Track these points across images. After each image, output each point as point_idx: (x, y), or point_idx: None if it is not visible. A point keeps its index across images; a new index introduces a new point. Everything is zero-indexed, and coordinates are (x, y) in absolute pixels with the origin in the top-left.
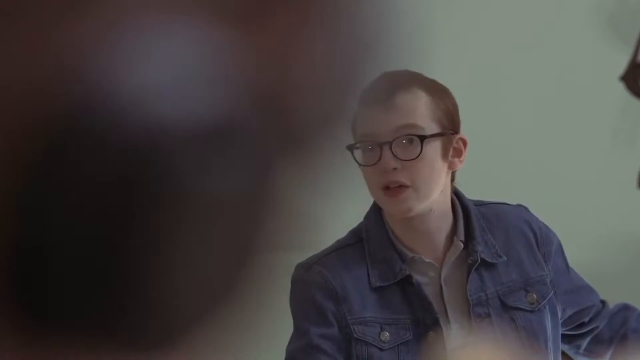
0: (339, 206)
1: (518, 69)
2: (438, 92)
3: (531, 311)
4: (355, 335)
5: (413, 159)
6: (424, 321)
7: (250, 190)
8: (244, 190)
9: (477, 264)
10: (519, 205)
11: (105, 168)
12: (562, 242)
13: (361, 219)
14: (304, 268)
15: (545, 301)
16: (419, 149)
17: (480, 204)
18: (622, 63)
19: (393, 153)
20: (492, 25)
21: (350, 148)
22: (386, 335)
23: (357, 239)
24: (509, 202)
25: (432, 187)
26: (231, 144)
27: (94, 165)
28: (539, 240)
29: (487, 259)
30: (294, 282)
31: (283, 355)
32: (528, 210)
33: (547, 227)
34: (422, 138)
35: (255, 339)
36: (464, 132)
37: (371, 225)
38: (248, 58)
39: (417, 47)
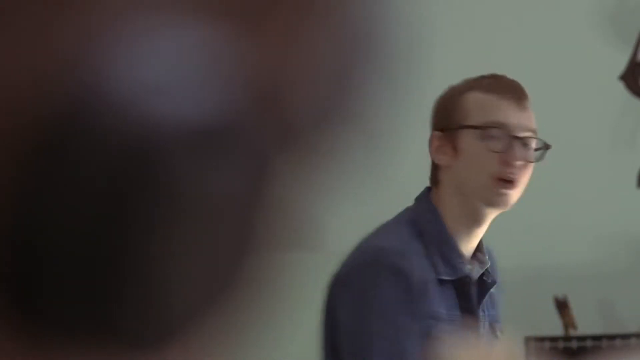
0: (338, 205)
1: (518, 69)
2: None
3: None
4: (429, 331)
5: (530, 162)
6: (467, 320)
7: (249, 189)
8: (242, 190)
9: (492, 285)
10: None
11: (102, 168)
12: (562, 242)
13: (362, 218)
14: (398, 254)
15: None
16: (535, 155)
17: None
18: (622, 63)
19: (522, 150)
20: (492, 25)
21: (469, 128)
22: (448, 329)
23: (417, 232)
24: None
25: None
26: (229, 144)
27: (91, 165)
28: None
29: (492, 283)
30: (387, 268)
31: (282, 353)
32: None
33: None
34: (548, 147)
35: (253, 338)
36: None
37: (428, 218)
38: (246, 57)
39: (415, 46)
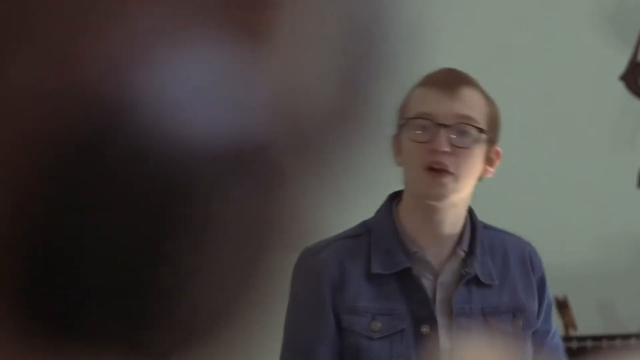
0: (347, 209)
1: (517, 69)
2: (490, 99)
3: (513, 335)
4: (342, 325)
5: (465, 148)
6: (419, 314)
7: (260, 194)
8: (254, 195)
9: (470, 277)
10: (527, 242)
11: (124, 180)
12: (562, 243)
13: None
14: (311, 253)
15: (529, 331)
16: (473, 142)
17: (488, 227)
18: (622, 63)
19: (449, 137)
20: (492, 25)
21: (404, 123)
22: (378, 325)
23: (364, 230)
24: (518, 235)
25: (468, 182)
26: (248, 156)
27: (113, 176)
28: (537, 280)
29: (480, 278)
30: (300, 267)
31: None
32: (533, 248)
33: (543, 272)
34: (480, 130)
35: (268, 340)
36: None
37: (381, 216)
38: (256, 70)
39: (418, 46)
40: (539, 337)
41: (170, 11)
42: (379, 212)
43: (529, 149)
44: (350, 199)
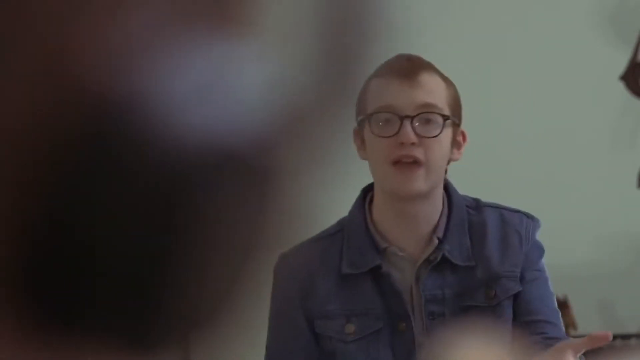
0: (341, 205)
1: (517, 69)
2: (448, 81)
3: (488, 306)
4: (316, 330)
5: (432, 137)
6: (395, 312)
7: (254, 192)
8: (247, 192)
9: (436, 262)
10: (530, 217)
11: (123, 177)
12: (563, 242)
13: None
14: (279, 258)
15: (505, 297)
16: (439, 129)
17: (483, 204)
18: (622, 63)
19: (414, 128)
20: (492, 24)
21: (365, 118)
22: (352, 327)
23: (339, 228)
24: (519, 209)
25: (440, 170)
26: (236, 147)
27: (114, 174)
28: (528, 250)
29: (454, 260)
30: (274, 273)
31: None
32: (535, 223)
33: (538, 244)
34: (446, 118)
35: (260, 335)
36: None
37: (353, 213)
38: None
39: (414, 37)
40: (522, 307)
41: (165, 10)
42: (352, 208)
43: (529, 149)
44: (344, 196)
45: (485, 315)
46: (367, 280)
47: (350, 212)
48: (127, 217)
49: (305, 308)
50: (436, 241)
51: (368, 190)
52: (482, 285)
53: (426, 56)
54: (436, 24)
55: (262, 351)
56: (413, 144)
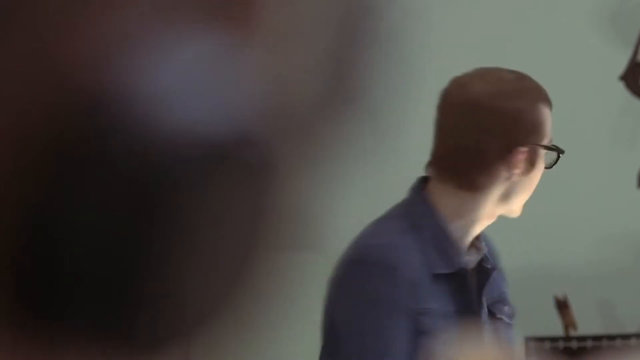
0: (341, 206)
1: (517, 68)
2: None
3: (508, 324)
4: (420, 328)
5: None
6: (467, 313)
7: (252, 190)
8: (247, 192)
9: (489, 267)
10: None
11: (113, 173)
12: (563, 242)
13: (364, 218)
14: (386, 251)
15: (514, 319)
16: None
17: None
18: (622, 63)
19: None
20: (492, 24)
21: (556, 150)
22: (442, 325)
23: (410, 226)
24: None
25: None
26: (236, 145)
27: (102, 170)
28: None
29: (487, 265)
30: (374, 265)
31: (287, 352)
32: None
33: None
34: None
35: (257, 338)
36: None
37: (423, 214)
38: (244, 62)
39: (416, 40)
40: None
41: (157, 6)
42: (416, 204)
43: None
44: (344, 193)
45: (505, 331)
46: (445, 282)
47: (418, 212)
48: (119, 215)
49: (408, 305)
50: (485, 249)
51: (421, 188)
52: (500, 301)
53: (427, 56)
54: (437, 24)
55: (262, 351)
56: None
